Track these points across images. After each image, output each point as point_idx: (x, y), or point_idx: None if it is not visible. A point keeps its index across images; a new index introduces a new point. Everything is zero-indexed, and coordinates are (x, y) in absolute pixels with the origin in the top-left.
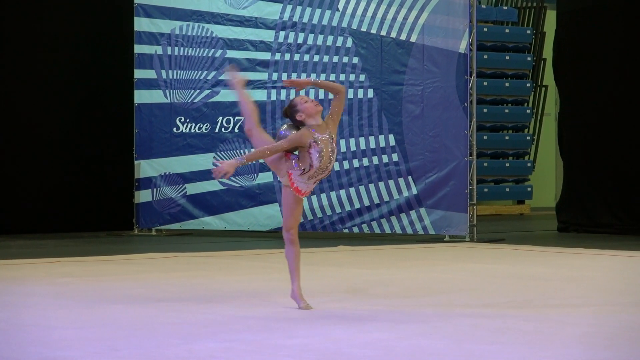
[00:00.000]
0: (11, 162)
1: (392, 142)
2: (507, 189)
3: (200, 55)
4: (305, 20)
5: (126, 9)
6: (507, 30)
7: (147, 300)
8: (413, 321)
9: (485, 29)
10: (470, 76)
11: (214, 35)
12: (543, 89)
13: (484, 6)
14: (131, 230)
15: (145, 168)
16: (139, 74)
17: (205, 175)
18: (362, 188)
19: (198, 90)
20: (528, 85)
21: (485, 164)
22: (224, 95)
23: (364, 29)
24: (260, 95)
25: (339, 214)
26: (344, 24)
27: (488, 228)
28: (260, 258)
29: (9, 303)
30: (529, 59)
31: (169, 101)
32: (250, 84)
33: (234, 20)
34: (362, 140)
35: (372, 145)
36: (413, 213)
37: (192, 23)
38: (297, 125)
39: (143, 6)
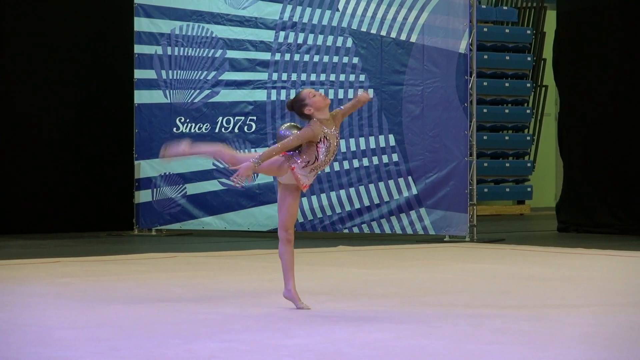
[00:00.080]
0: (11, 162)
1: (392, 142)
2: (507, 189)
3: (200, 55)
4: (305, 20)
5: (126, 9)
6: (507, 30)
7: (147, 300)
8: (413, 321)
9: (485, 29)
10: (470, 76)
11: (214, 35)
12: (543, 89)
13: (484, 6)
14: (131, 230)
15: (145, 168)
16: (139, 74)
17: (205, 175)
18: (362, 188)
19: (198, 91)
20: (528, 85)
21: (485, 164)
22: (224, 95)
23: (364, 29)
24: (260, 95)
25: (339, 214)
26: (344, 24)
27: (488, 228)
28: (260, 258)
29: (9, 303)
30: (529, 59)
31: (169, 101)
32: (250, 84)
33: (234, 20)
34: (362, 140)
35: (372, 145)
36: (413, 213)
37: (192, 23)
38: (303, 119)
39: (143, 6)
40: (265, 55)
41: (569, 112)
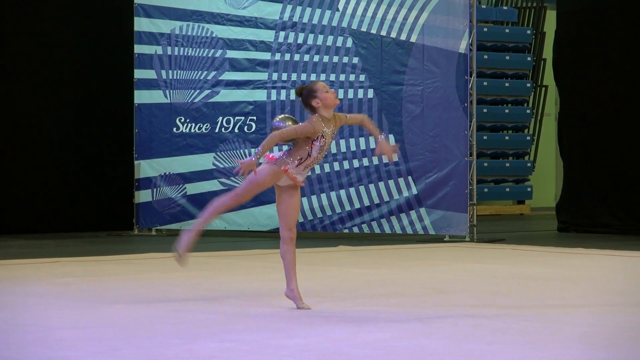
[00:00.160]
0: (11, 162)
1: (392, 142)
2: (507, 189)
3: (200, 55)
4: (305, 20)
5: (126, 9)
6: (507, 30)
7: (147, 300)
8: (413, 321)
9: (485, 29)
10: (470, 76)
11: (214, 35)
12: (543, 89)
13: (484, 6)
14: (131, 230)
15: (145, 168)
16: (139, 74)
17: (205, 175)
18: (362, 188)
19: (198, 90)
20: (528, 85)
21: (485, 164)
22: (224, 95)
23: (364, 29)
24: (260, 95)
25: (339, 214)
26: (344, 24)
27: (488, 228)
28: (260, 258)
29: (10, 303)
30: (529, 59)
31: (169, 101)
32: (250, 84)
33: (234, 20)
34: (362, 140)
35: (372, 145)
36: (413, 213)
37: (192, 23)
38: (307, 109)
39: (143, 6)
40: (265, 55)
41: (569, 112)
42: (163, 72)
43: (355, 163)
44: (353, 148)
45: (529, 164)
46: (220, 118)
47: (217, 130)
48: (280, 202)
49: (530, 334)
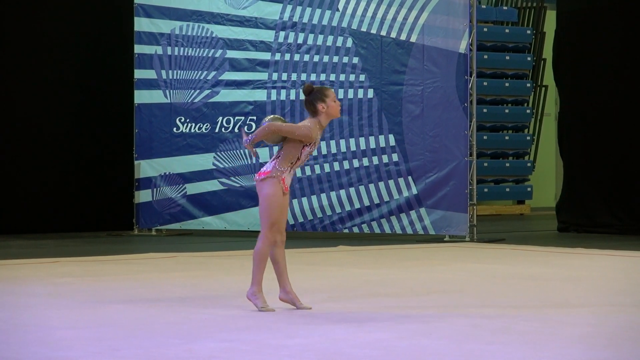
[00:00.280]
0: (11, 162)
1: (392, 142)
2: (507, 189)
3: (200, 55)
4: (305, 20)
5: (126, 9)
6: (507, 30)
7: (147, 300)
8: (413, 321)
9: (485, 29)
10: (470, 76)
11: (214, 35)
12: (543, 89)
13: (484, 6)
14: (131, 230)
15: (145, 168)
16: (139, 74)
17: (205, 175)
18: (362, 188)
19: (198, 90)
20: (528, 85)
21: (485, 164)
22: (224, 95)
23: (364, 29)
24: (260, 95)
25: (339, 214)
26: (344, 24)
27: (488, 228)
28: None
29: (10, 303)
30: (529, 59)
31: (169, 101)
32: (250, 84)
33: (234, 20)
34: (362, 140)
35: (372, 145)
36: (413, 213)
37: (192, 23)
38: (309, 109)
39: (143, 6)
40: (265, 55)
41: (569, 112)
42: (163, 72)
43: (355, 163)
44: (353, 148)
45: (529, 164)
46: (220, 118)
47: (217, 130)
48: (272, 204)
49: (530, 334)
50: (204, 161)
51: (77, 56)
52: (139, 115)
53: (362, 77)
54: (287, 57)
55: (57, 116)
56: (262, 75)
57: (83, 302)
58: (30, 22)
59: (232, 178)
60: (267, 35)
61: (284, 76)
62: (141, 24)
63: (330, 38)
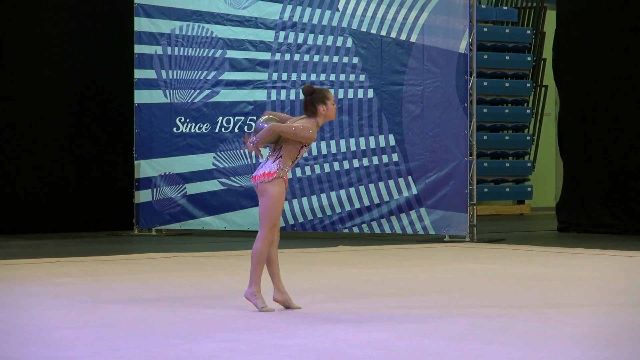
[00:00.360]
0: (11, 162)
1: (392, 142)
2: (507, 189)
3: (200, 55)
4: (305, 20)
5: (126, 9)
6: (507, 30)
7: (147, 300)
8: (413, 321)
9: (485, 29)
10: (470, 76)
11: (214, 35)
12: (543, 89)
13: (484, 6)
14: (131, 230)
15: (145, 168)
16: (139, 74)
17: (205, 175)
18: (362, 188)
19: (198, 90)
20: (528, 85)
21: (485, 164)
22: (224, 95)
23: (364, 29)
24: (260, 95)
25: (339, 214)
26: (344, 24)
27: (488, 228)
28: None
29: (10, 303)
30: (529, 59)
31: (169, 101)
32: (250, 84)
33: (234, 20)
34: (362, 140)
35: (372, 145)
36: (413, 213)
37: (192, 23)
38: (308, 109)
39: (143, 6)
40: (265, 55)
41: (569, 112)
42: (163, 72)
43: (355, 163)
44: (353, 148)
45: (529, 164)
46: (220, 118)
47: (217, 130)
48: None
49: (530, 334)
50: (204, 161)
51: (77, 56)
52: (139, 115)
53: (362, 77)
54: (287, 57)
55: (57, 116)
56: (262, 75)
57: (83, 302)
58: (30, 22)
59: (232, 178)
60: (267, 35)
61: (284, 76)
62: (141, 24)
63: (330, 38)
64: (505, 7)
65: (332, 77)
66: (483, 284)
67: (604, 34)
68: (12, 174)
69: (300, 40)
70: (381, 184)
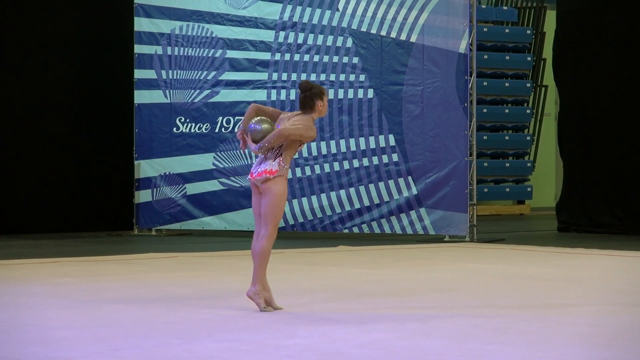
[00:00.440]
0: (11, 162)
1: (392, 142)
2: (507, 189)
3: (200, 55)
4: (305, 20)
5: (126, 9)
6: (507, 30)
7: (147, 300)
8: (413, 321)
9: (485, 29)
10: (470, 76)
11: (214, 35)
12: (543, 89)
13: (484, 6)
14: (131, 230)
15: (145, 168)
16: (139, 74)
17: (205, 175)
18: (362, 188)
19: (198, 90)
20: (528, 85)
21: (485, 164)
22: (224, 95)
23: (364, 29)
24: (260, 95)
25: (339, 214)
26: (344, 24)
27: (488, 228)
28: None
29: (10, 303)
30: (529, 59)
31: (169, 101)
32: (250, 84)
33: (234, 20)
34: (362, 140)
35: (372, 145)
36: (413, 213)
37: (192, 23)
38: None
39: (143, 6)
40: (265, 55)
41: (569, 112)
42: (163, 72)
43: (355, 163)
44: (353, 148)
45: (529, 164)
46: (220, 118)
47: (217, 130)
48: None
49: (530, 334)
50: (204, 161)
51: (77, 56)
52: (139, 115)
53: (362, 77)
54: (287, 57)
55: (57, 116)
56: (262, 75)
57: (83, 302)
58: (30, 22)
59: (232, 178)
60: (267, 35)
61: (284, 76)
62: (141, 24)
63: (330, 38)
64: (505, 7)
65: (332, 77)
66: (483, 284)
67: (604, 34)
68: (12, 174)
69: (300, 40)
70: (381, 184)
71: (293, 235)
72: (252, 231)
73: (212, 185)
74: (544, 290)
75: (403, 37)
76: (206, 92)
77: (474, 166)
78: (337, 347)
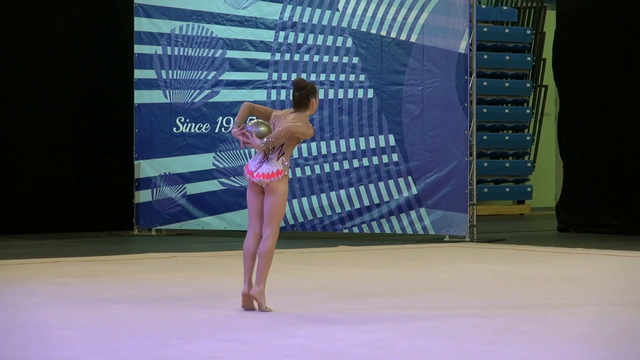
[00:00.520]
0: (11, 162)
1: (392, 142)
2: (507, 189)
3: (200, 55)
4: (305, 20)
5: (126, 9)
6: (507, 30)
7: (147, 300)
8: (413, 321)
9: (485, 29)
10: (470, 76)
11: (214, 35)
12: (543, 89)
13: (484, 6)
14: (131, 230)
15: (145, 168)
16: (139, 74)
17: (205, 175)
18: (362, 188)
19: (198, 90)
20: (528, 85)
21: (485, 164)
22: (224, 95)
23: (364, 29)
24: (260, 95)
25: (339, 214)
26: (344, 24)
27: (488, 228)
28: None
29: (10, 303)
30: (529, 59)
31: (169, 101)
32: (250, 84)
33: (234, 20)
34: (362, 140)
35: (372, 145)
36: (413, 213)
37: (192, 23)
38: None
39: (143, 6)
40: (265, 55)
41: (569, 112)
42: (163, 72)
43: (355, 163)
44: (353, 148)
45: (529, 164)
46: (220, 118)
47: (217, 130)
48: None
49: (530, 334)
50: (204, 161)
51: (77, 56)
52: (139, 115)
53: (362, 77)
54: (287, 57)
55: (57, 116)
56: (262, 75)
57: (83, 302)
58: (30, 22)
59: (232, 178)
60: (267, 35)
61: (284, 76)
62: (141, 24)
63: (330, 38)
64: (505, 7)
65: (332, 77)
66: (483, 284)
67: (604, 34)
68: (12, 174)
69: (300, 40)
70: (381, 184)
71: (293, 235)
72: None
73: (212, 185)
74: (544, 290)
75: (403, 37)
76: (206, 92)
77: (474, 166)
78: (337, 347)
